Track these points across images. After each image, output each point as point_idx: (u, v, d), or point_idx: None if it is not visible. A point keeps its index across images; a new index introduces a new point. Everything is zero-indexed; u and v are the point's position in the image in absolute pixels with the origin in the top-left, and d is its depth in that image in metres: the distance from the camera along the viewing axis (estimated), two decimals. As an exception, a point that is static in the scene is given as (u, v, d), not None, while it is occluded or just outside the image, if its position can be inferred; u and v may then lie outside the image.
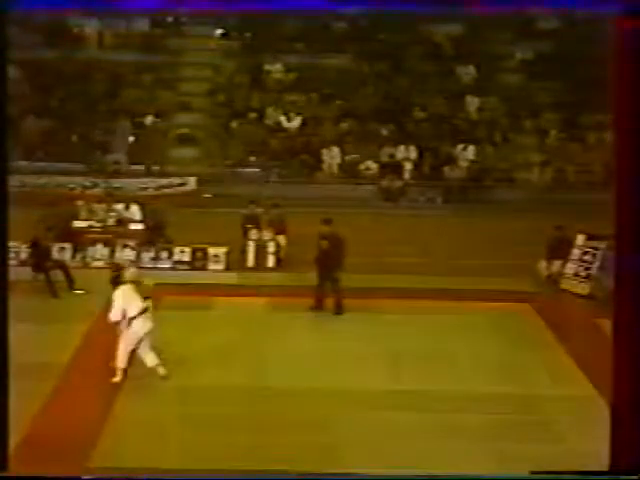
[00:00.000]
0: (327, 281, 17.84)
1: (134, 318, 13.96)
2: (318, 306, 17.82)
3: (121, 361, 14.05)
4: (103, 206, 22.04)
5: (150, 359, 14.15)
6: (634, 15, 6.37)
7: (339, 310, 17.74)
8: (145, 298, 14.11)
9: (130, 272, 14.78)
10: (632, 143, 6.51)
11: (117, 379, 14.00)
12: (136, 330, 13.98)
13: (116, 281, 14.85)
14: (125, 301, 14.01)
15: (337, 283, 17.76)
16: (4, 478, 6.27)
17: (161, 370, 14.14)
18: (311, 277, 18.02)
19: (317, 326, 16.95)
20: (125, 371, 14.02)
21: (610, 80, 6.55)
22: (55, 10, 24.61)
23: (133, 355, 14.24)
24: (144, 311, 14.02)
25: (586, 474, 6.87)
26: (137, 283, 14.35)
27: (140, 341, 14.08)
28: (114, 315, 14.00)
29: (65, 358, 14.75)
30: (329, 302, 17.80)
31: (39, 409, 12.80)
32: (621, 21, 6.44)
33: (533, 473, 7.43)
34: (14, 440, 11.40)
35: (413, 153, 25.83)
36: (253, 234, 20.97)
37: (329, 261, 17.75)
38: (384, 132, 26.46)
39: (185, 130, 26.50)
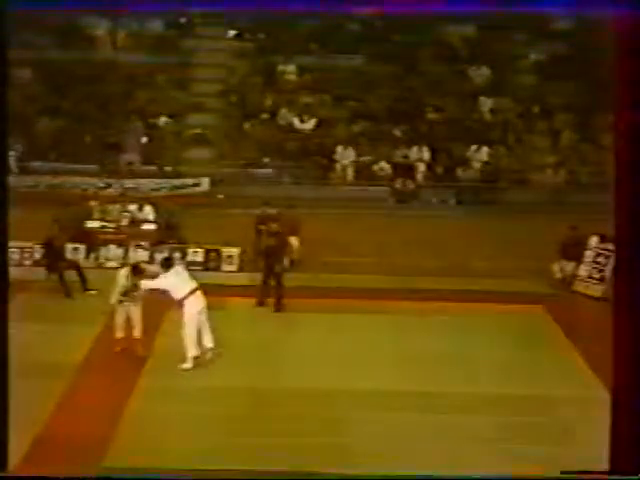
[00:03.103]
0: (270, 277, 17.95)
1: (185, 298, 14.19)
2: (261, 302, 17.88)
3: (190, 349, 14.25)
4: (117, 206, 22.07)
5: (207, 339, 14.47)
6: (633, 14, 6.34)
7: (279, 307, 17.74)
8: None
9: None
10: (632, 143, 6.47)
11: (188, 365, 14.21)
12: (189, 309, 14.23)
13: (168, 263, 15.07)
14: (172, 281, 14.26)
15: (279, 279, 17.83)
16: (4, 478, 6.29)
17: (209, 354, 14.45)
18: (325, 278, 18.01)
19: (330, 327, 16.92)
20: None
21: (611, 80, 6.53)
22: (67, 10, 24.62)
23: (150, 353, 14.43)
24: (195, 290, 14.29)
25: (586, 474, 6.85)
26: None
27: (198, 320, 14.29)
28: (150, 284, 14.35)
29: (79, 357, 14.81)
30: (338, 302, 17.83)
31: (53, 408, 12.85)
32: (620, 20, 6.41)
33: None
34: (29, 438, 11.53)
35: (426, 154, 25.80)
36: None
37: (273, 257, 17.93)
38: (397, 133, 26.44)
39: (198, 131, 26.53)
